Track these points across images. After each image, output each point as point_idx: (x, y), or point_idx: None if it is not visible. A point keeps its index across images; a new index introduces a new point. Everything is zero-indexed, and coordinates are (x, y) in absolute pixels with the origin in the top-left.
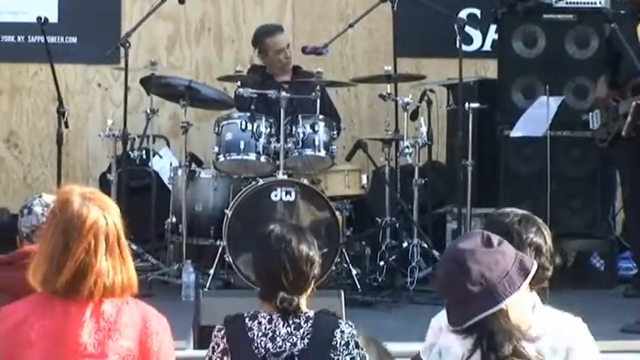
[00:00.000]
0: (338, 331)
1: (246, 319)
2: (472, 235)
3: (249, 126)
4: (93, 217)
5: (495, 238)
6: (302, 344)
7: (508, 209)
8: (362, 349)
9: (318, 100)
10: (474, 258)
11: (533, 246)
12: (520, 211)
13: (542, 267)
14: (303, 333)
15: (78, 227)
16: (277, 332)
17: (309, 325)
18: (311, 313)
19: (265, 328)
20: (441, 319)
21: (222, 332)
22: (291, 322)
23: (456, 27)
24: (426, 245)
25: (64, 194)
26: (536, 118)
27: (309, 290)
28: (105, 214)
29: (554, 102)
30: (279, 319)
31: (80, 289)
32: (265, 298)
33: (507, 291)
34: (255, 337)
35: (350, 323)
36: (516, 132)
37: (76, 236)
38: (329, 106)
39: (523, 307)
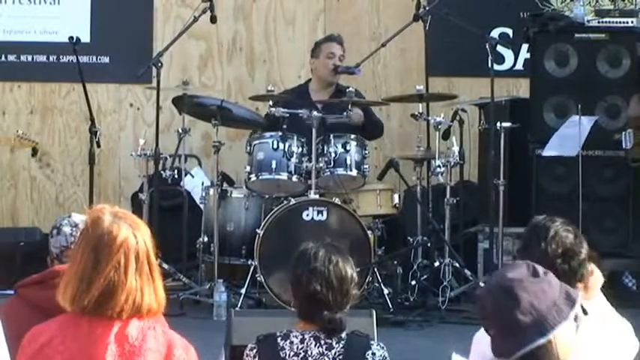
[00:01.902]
0: (370, 353)
1: (279, 339)
2: (518, 266)
3: (281, 145)
4: (123, 235)
5: (541, 269)
6: None
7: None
8: None
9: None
10: (522, 287)
11: (559, 238)
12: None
13: (573, 259)
14: (335, 354)
15: (108, 244)
16: (309, 352)
17: (341, 346)
18: (343, 334)
19: (297, 347)
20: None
21: (255, 352)
22: (323, 342)
23: (487, 46)
24: (457, 265)
25: (95, 212)
26: (568, 137)
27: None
28: (135, 233)
29: (588, 122)
30: (312, 339)
31: (109, 306)
32: (307, 317)
33: (557, 320)
34: (287, 357)
35: (382, 345)
36: (549, 151)
37: (106, 253)
38: (370, 116)
39: (569, 337)
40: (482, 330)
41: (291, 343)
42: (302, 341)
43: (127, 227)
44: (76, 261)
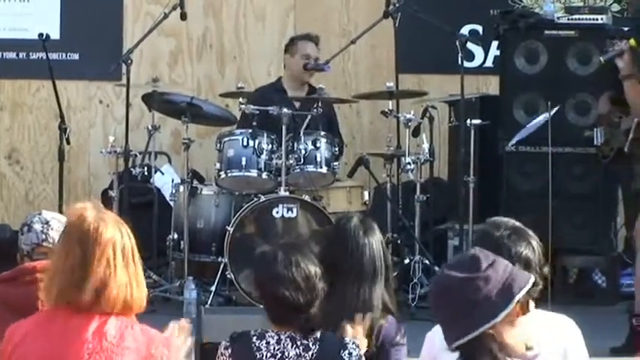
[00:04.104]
0: (346, 353)
1: (254, 338)
2: (462, 259)
3: (251, 142)
4: (110, 231)
5: (485, 262)
6: None
7: (499, 219)
8: None
9: (325, 118)
10: (456, 285)
11: (523, 260)
12: (511, 223)
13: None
14: (312, 355)
15: (96, 240)
16: (286, 354)
17: (317, 347)
18: (318, 334)
19: (274, 348)
20: (436, 333)
21: (229, 351)
22: (299, 343)
23: (457, 43)
24: (427, 262)
25: (77, 210)
26: (533, 127)
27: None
28: (121, 229)
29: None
30: (288, 340)
31: (102, 301)
32: (282, 321)
33: (486, 318)
34: (264, 358)
35: (356, 343)
36: (513, 140)
37: (95, 249)
38: (336, 125)
39: (516, 327)
40: (433, 329)
41: (268, 343)
42: (278, 342)
43: (113, 223)
44: (61, 258)
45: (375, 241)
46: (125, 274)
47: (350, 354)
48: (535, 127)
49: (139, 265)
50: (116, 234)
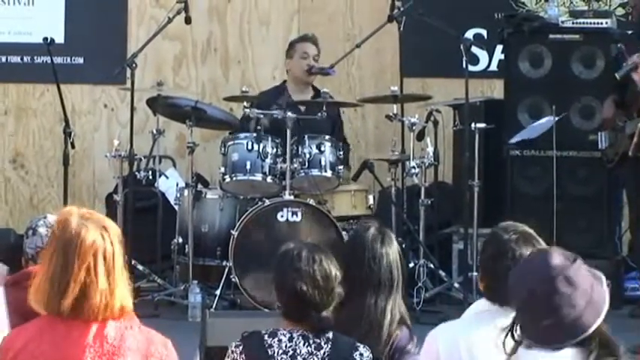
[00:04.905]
0: (357, 354)
1: (265, 336)
2: (551, 253)
3: (256, 146)
4: (91, 237)
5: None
6: None
7: (510, 224)
8: None
9: (330, 121)
10: (566, 281)
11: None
12: (520, 228)
13: None
14: (324, 354)
15: (77, 247)
16: (298, 351)
17: (329, 346)
18: (330, 335)
19: (286, 345)
20: (439, 335)
21: (240, 348)
22: (311, 341)
23: (462, 47)
24: (432, 265)
25: (63, 215)
26: (536, 128)
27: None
28: (103, 234)
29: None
30: (300, 337)
31: (84, 309)
32: (295, 317)
33: (594, 319)
34: (276, 355)
35: (367, 347)
36: (515, 138)
37: (76, 256)
38: (340, 128)
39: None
40: (437, 328)
41: (280, 341)
42: (290, 339)
43: (95, 228)
44: (45, 265)
45: (392, 251)
46: (107, 280)
47: (362, 355)
48: (538, 130)
49: (123, 271)
50: (98, 240)
